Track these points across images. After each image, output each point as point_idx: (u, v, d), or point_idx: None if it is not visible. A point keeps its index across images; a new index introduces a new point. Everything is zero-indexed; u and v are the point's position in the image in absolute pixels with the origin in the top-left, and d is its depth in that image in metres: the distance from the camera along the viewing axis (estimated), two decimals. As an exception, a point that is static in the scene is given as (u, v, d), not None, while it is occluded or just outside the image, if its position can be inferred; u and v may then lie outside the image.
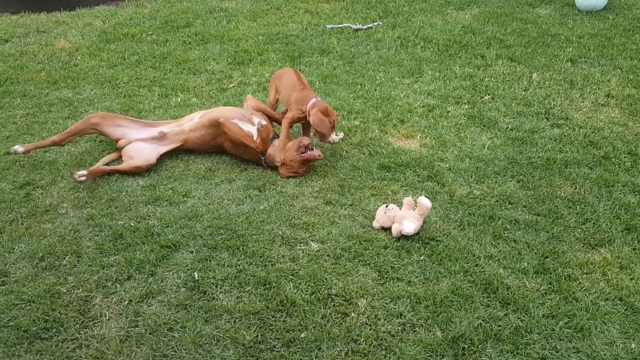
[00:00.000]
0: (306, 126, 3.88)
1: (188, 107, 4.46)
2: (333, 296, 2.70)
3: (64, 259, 2.92)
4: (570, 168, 3.72)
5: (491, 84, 4.87)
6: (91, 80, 5.00)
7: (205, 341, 2.47)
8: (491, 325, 2.57)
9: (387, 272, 2.84)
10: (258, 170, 3.71)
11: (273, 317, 2.59)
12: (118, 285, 2.76)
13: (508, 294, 2.72)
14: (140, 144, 3.71)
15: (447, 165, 3.73)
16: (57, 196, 3.41)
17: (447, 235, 3.11)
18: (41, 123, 4.25)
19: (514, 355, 2.44)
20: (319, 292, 2.71)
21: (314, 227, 3.14)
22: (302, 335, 2.50)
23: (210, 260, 2.90)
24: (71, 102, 4.60)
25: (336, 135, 4.00)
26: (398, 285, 2.77)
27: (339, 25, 6.25)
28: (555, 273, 2.86)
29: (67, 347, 2.44)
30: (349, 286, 2.75)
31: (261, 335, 2.50)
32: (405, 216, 3.04)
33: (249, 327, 2.54)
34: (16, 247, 2.99)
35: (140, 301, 2.66)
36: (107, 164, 3.69)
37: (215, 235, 3.08)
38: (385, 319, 2.58)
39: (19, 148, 3.74)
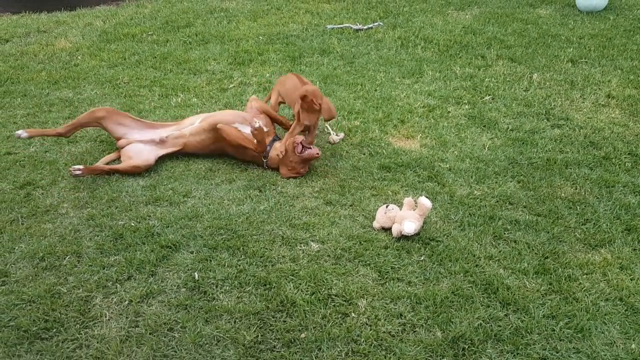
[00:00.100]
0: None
1: (188, 107, 4.47)
2: (333, 296, 2.70)
3: (64, 259, 2.92)
4: (571, 168, 3.72)
5: (492, 85, 4.87)
6: (92, 80, 5.00)
7: (205, 341, 2.47)
8: (491, 325, 2.57)
9: (387, 272, 2.84)
10: (258, 171, 3.71)
11: (273, 318, 2.59)
12: (118, 285, 2.76)
13: (508, 294, 2.72)
14: (140, 145, 3.72)
15: (448, 166, 3.73)
16: (58, 196, 3.41)
17: (448, 236, 3.11)
18: (42, 123, 4.25)
19: (514, 355, 2.44)
20: (319, 292, 2.72)
21: (314, 228, 3.15)
22: (303, 335, 2.50)
23: (211, 261, 2.90)
24: (72, 102, 4.60)
25: (337, 135, 4.01)
26: (398, 286, 2.77)
27: (339, 26, 6.26)
28: (555, 273, 2.86)
29: (68, 347, 2.44)
30: (349, 286, 2.75)
31: (261, 336, 2.50)
32: (406, 216, 3.04)
33: (249, 327, 2.54)
34: (16, 247, 2.99)
35: (140, 301, 2.67)
36: (107, 164, 3.70)
37: (216, 235, 3.08)
38: (385, 319, 2.58)
39: (22, 133, 3.70)
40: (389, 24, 6.40)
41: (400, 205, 3.18)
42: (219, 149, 3.78)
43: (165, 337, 2.49)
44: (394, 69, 5.20)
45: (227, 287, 2.75)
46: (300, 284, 2.76)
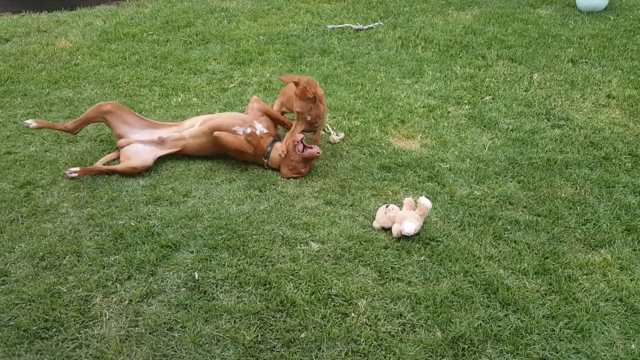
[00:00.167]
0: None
1: (189, 107, 4.47)
2: (333, 296, 2.70)
3: (64, 258, 2.92)
4: (571, 169, 3.72)
5: (492, 85, 4.87)
6: (92, 80, 5.00)
7: (205, 341, 2.47)
8: (491, 325, 2.57)
9: (387, 272, 2.84)
10: (258, 171, 3.71)
11: (273, 317, 2.59)
12: (118, 285, 2.76)
13: (508, 294, 2.72)
14: (140, 145, 3.72)
15: (448, 166, 3.73)
16: (58, 196, 3.41)
17: (448, 236, 3.11)
18: (42, 122, 4.25)
19: (514, 355, 2.44)
20: (319, 292, 2.72)
21: (314, 228, 3.14)
22: (302, 335, 2.50)
23: (211, 260, 2.90)
24: (72, 101, 4.60)
25: (337, 135, 4.01)
26: (398, 286, 2.77)
27: (339, 26, 6.25)
28: (555, 274, 2.86)
29: (67, 347, 2.44)
30: (349, 286, 2.75)
31: (261, 335, 2.50)
32: (406, 216, 3.04)
33: (249, 327, 2.54)
34: (16, 247, 2.99)
35: (140, 301, 2.67)
36: (106, 164, 3.71)
37: (216, 235, 3.08)
38: (385, 319, 2.58)
39: (32, 123, 3.72)
40: (389, 24, 6.40)
41: (401, 205, 3.18)
42: (218, 152, 3.78)
43: (165, 337, 2.49)
44: (394, 69, 5.19)
45: (227, 287, 2.75)
46: (300, 284, 2.76)
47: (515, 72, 5.12)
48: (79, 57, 5.53)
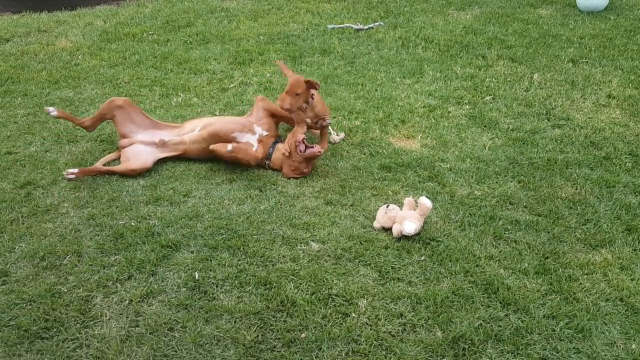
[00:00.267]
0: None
1: (189, 107, 4.47)
2: (334, 296, 2.70)
3: (65, 258, 2.92)
4: (571, 169, 3.72)
5: (492, 85, 4.87)
6: (92, 80, 5.00)
7: (205, 341, 2.47)
8: (492, 325, 2.57)
9: (387, 272, 2.84)
10: (259, 171, 3.71)
11: (273, 317, 2.59)
12: (119, 285, 2.76)
13: (509, 294, 2.72)
14: (141, 146, 3.72)
15: (448, 166, 3.73)
16: (58, 196, 3.41)
17: (448, 236, 3.11)
18: (42, 122, 4.25)
19: (515, 355, 2.44)
20: (320, 292, 2.72)
21: (314, 227, 3.14)
22: (303, 335, 2.50)
23: (211, 260, 2.90)
24: (72, 101, 4.60)
25: (337, 135, 4.01)
26: (399, 286, 2.77)
27: (340, 26, 6.25)
28: (555, 274, 2.86)
29: (68, 347, 2.44)
30: (349, 286, 2.75)
31: (262, 335, 2.50)
32: (406, 216, 3.04)
33: (250, 327, 2.54)
34: (17, 247, 2.99)
35: (140, 301, 2.67)
36: (106, 164, 3.70)
37: (216, 235, 3.08)
38: (385, 319, 2.58)
39: (52, 111, 3.75)
40: (389, 23, 6.40)
41: (401, 205, 3.18)
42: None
43: (165, 337, 2.49)
44: (394, 69, 5.19)
45: (228, 287, 2.75)
46: (300, 284, 2.76)
47: (515, 72, 5.12)
48: (79, 57, 5.53)
